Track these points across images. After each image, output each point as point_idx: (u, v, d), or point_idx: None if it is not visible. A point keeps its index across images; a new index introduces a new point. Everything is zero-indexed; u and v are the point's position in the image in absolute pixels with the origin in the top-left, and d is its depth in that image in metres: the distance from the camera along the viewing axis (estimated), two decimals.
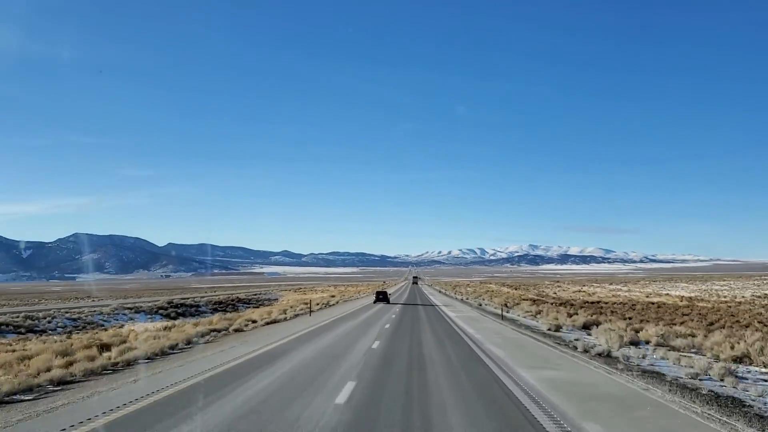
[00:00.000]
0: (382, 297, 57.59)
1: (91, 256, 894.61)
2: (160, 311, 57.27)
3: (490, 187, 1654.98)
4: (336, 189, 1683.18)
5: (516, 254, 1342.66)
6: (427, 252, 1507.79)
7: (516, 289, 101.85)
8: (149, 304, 61.95)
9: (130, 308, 55.59)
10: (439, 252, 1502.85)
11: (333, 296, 75.96)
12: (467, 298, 68.62)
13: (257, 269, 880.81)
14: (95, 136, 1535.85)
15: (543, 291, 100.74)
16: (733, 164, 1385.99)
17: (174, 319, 46.45)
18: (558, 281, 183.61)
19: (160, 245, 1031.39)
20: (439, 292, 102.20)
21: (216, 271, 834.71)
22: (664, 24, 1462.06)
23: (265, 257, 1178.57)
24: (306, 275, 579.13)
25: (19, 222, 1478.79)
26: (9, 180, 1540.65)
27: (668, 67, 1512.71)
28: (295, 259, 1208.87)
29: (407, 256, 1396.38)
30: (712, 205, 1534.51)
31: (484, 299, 62.99)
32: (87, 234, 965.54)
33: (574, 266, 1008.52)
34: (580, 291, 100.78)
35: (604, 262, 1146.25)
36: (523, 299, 58.64)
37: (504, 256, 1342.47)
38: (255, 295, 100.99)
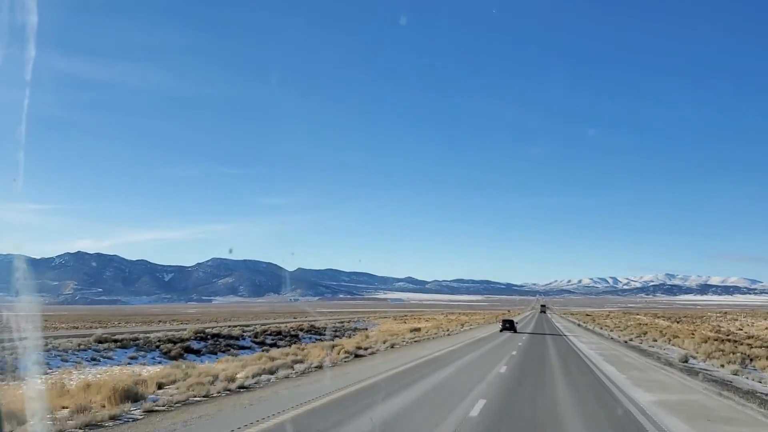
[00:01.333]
0: (508, 326, 56.91)
1: (226, 279, 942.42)
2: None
3: (623, 213, 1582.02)
4: (462, 215, 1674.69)
5: (651, 283, 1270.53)
6: (556, 281, 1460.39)
7: (677, 323, 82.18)
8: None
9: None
10: (569, 281, 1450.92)
11: (439, 327, 66.50)
12: (612, 333, 57.07)
13: (381, 295, 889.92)
14: (237, 167, 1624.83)
15: (717, 325, 77.62)
16: None
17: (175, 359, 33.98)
18: (725, 312, 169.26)
19: (290, 270, 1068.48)
20: (577, 325, 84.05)
21: (341, 296, 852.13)
22: None
23: (389, 283, 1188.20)
24: (429, 302, 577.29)
25: (164, 248, 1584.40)
26: (156, 208, 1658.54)
27: None
28: (418, 285, 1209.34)
29: (534, 284, 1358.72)
30: None
31: (634, 333, 52.33)
32: (223, 259, 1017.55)
33: (715, 297, 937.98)
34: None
35: (750, 293, 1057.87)
36: (704, 339, 40.42)
37: (638, 285, 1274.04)
38: (342, 323, 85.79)
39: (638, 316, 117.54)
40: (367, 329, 72.40)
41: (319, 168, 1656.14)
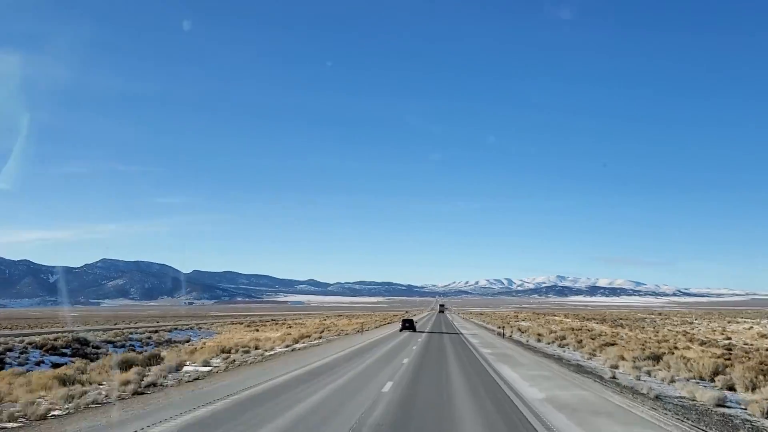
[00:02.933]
0: (408, 325, 56.78)
1: (116, 281, 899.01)
2: None
3: (518, 217, 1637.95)
4: (363, 218, 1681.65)
5: (543, 285, 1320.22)
6: (454, 282, 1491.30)
7: (613, 327, 71.35)
8: None
9: None
10: (467, 282, 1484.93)
11: (302, 335, 48.07)
12: (553, 346, 38.10)
13: (282, 298, 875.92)
14: (131, 164, 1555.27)
15: (684, 331, 66.14)
16: (760, 196, 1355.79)
17: None
18: (659, 313, 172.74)
19: (185, 272, 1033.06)
20: (483, 327, 72.75)
21: (240, 299, 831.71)
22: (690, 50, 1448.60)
23: (290, 285, 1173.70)
24: (330, 304, 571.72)
25: (49, 248, 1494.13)
26: (41, 206, 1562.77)
27: (693, 89, 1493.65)
28: (321, 287, 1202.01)
29: (434, 285, 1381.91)
30: (748, 239, 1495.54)
31: (567, 339, 40.59)
32: (113, 260, 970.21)
33: (603, 298, 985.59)
34: (714, 332, 66.32)
35: (635, 295, 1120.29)
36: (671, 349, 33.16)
37: (531, 286, 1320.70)
38: (156, 331, 68.76)
39: (555, 317, 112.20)
40: (191, 342, 57.35)
41: (218, 169, 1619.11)
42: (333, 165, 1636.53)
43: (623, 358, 25.44)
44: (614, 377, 20.54)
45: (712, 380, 19.54)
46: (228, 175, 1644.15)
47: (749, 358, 25.58)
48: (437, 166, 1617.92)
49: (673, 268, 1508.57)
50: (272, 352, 31.62)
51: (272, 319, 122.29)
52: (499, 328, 62.34)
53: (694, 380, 19.93)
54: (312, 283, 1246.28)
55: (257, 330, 75.08)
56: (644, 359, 24.67)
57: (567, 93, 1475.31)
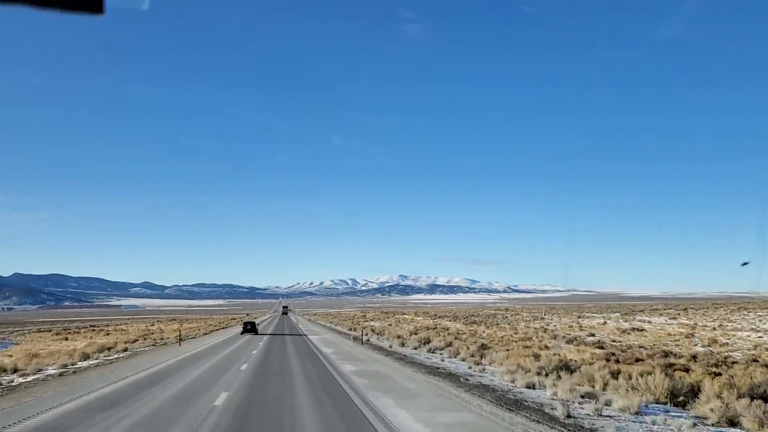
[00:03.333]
0: (250, 327, 56.63)
1: None
2: None
3: (361, 218, 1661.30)
4: (202, 218, 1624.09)
5: (387, 284, 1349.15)
6: (299, 283, 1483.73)
7: (468, 325, 69.14)
8: None
9: None
10: (311, 283, 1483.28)
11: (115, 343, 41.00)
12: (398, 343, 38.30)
13: (114, 302, 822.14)
14: None
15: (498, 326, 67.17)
16: (580, 198, 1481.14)
17: None
18: (506, 308, 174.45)
19: (4, 275, 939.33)
20: (333, 330, 66.73)
21: (67, 303, 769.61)
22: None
23: (124, 289, 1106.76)
24: (167, 308, 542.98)
25: None
26: None
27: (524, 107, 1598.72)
28: (157, 291, 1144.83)
29: (278, 287, 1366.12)
30: (567, 239, 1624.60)
31: (434, 342, 35.87)
32: None
33: (442, 296, 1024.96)
34: (540, 327, 66.11)
35: (470, 292, 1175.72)
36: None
37: (375, 286, 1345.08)
38: None
39: (405, 316, 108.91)
40: None
41: (45, 164, 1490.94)
42: (166, 161, 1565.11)
43: (525, 370, 20.33)
44: (569, 415, 13.36)
45: (684, 407, 14.77)
46: (52, 171, 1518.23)
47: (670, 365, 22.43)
48: (282, 165, 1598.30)
49: (504, 267, 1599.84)
50: (31, 378, 21.60)
51: (91, 326, 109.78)
52: (351, 330, 57.86)
53: (661, 405, 15.08)
54: (147, 285, 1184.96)
55: (66, 339, 65.85)
56: (553, 369, 19.50)
57: (409, 94, 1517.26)
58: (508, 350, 28.72)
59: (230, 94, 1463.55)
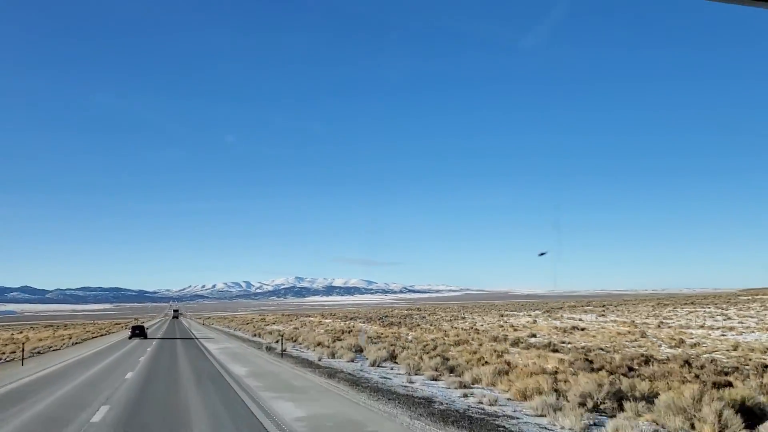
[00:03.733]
0: (138, 332, 55.83)
1: None
2: None
3: (256, 218, 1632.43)
4: (88, 219, 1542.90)
5: (282, 287, 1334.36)
6: (190, 286, 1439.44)
7: (386, 326, 64.23)
8: None
9: None
10: (203, 286, 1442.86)
11: None
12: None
13: None
14: None
15: (440, 326, 63.68)
16: (470, 203, 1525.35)
17: None
18: (429, 312, 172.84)
19: None
20: (235, 336, 58.16)
21: None
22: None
23: (0, 294, 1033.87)
24: (48, 313, 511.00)
25: None
26: None
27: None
28: (37, 295, 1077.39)
29: (168, 290, 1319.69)
30: (461, 240, 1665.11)
31: (378, 351, 27.41)
32: None
33: (339, 297, 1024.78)
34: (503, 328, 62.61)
35: (367, 293, 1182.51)
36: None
37: (270, 288, 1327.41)
38: None
39: (310, 318, 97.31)
40: None
41: None
42: (50, 159, 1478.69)
43: (540, 392, 14.52)
44: None
45: None
46: None
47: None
48: (172, 163, 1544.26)
49: (400, 268, 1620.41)
50: None
51: None
52: (256, 335, 54.58)
53: None
54: (27, 290, 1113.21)
55: None
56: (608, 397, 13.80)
57: (303, 100, 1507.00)
58: (486, 363, 22.50)
59: (119, 89, 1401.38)
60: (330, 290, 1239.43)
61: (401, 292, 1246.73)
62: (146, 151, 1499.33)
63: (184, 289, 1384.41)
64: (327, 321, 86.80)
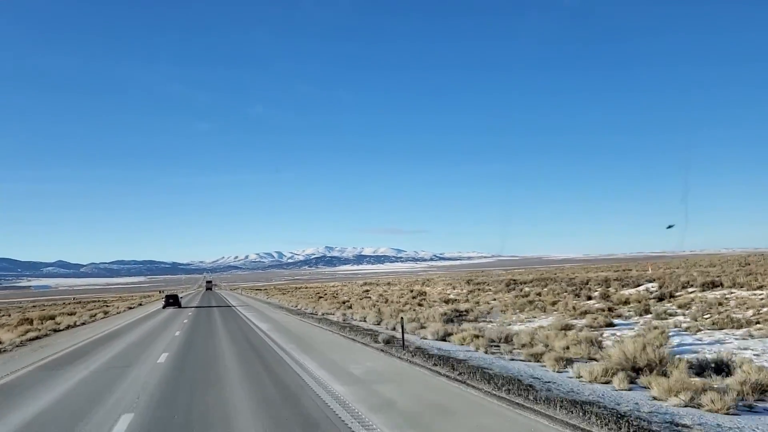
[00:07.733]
0: (172, 301, 55.29)
1: None
2: None
3: (285, 190, 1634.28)
4: (121, 194, 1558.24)
5: (313, 256, 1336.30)
6: (223, 257, 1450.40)
7: (501, 291, 45.85)
8: None
9: None
10: (236, 257, 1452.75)
11: None
12: None
13: (24, 282, 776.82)
14: None
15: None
16: (504, 169, 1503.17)
17: None
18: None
19: None
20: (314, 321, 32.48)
21: None
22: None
23: (35, 269, 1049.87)
24: (82, 287, 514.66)
25: None
26: None
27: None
28: (72, 269, 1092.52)
29: (201, 262, 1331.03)
30: (492, 206, 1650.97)
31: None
32: None
33: (369, 266, 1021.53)
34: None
35: (397, 261, 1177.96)
36: None
37: (301, 258, 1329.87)
38: None
39: (378, 286, 79.95)
40: None
41: None
42: (80, 135, 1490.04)
43: None
44: None
45: None
46: None
47: None
48: (202, 136, 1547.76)
49: (429, 236, 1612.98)
50: None
51: None
52: (345, 317, 32.41)
53: None
54: (62, 264, 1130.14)
55: None
56: None
57: (331, 70, 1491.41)
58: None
59: (147, 67, 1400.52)
60: (360, 259, 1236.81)
61: (431, 259, 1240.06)
62: (177, 125, 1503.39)
63: (217, 261, 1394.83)
64: (435, 291, 57.16)
